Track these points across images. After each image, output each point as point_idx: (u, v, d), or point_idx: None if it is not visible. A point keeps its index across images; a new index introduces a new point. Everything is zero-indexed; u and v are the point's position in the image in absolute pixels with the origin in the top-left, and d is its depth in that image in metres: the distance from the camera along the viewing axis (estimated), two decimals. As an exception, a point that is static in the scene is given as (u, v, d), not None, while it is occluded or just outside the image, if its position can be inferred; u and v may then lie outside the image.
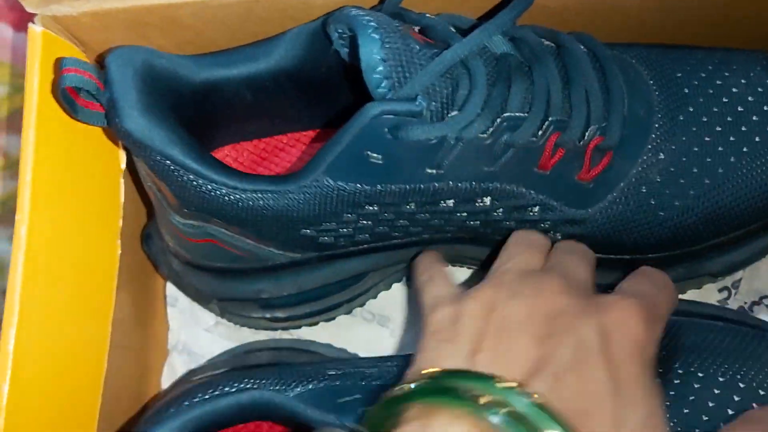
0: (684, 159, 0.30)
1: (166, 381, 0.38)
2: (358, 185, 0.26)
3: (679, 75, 0.31)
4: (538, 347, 0.24)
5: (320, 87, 0.31)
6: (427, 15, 0.29)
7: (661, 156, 0.30)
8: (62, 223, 0.29)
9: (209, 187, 0.26)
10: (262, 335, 0.37)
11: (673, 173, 0.30)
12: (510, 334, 0.24)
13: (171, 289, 0.39)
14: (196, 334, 0.38)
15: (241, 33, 0.31)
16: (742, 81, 0.31)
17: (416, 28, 0.27)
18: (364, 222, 0.28)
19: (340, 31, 0.27)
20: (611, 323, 0.25)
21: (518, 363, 0.23)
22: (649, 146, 0.29)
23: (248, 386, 0.29)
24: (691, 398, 0.29)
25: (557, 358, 0.23)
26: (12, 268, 0.27)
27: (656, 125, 0.30)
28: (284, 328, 0.37)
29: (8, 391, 0.26)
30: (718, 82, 0.31)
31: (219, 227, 0.29)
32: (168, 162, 0.26)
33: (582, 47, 0.29)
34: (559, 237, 0.30)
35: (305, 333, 0.37)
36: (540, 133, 0.27)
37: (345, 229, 0.28)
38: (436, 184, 0.27)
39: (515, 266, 0.28)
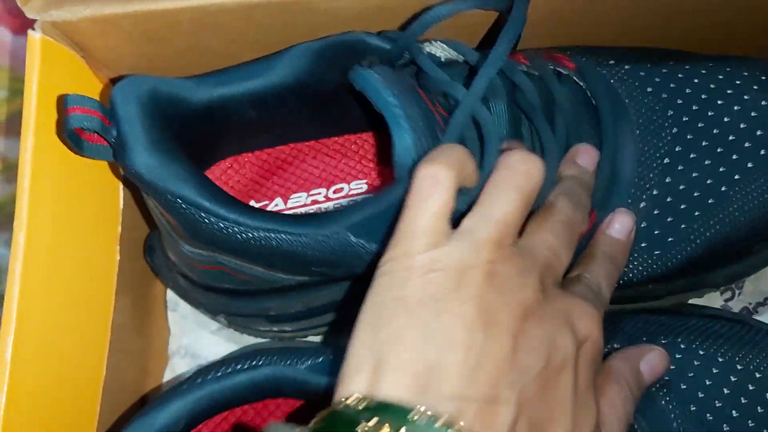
0: (669, 200, 0.31)
1: (167, 385, 0.38)
2: (380, 246, 0.27)
3: (671, 113, 0.31)
4: (510, 357, 0.22)
5: (324, 101, 0.31)
6: (433, 56, 0.29)
7: (643, 204, 0.31)
8: (60, 230, 0.30)
9: (221, 225, 0.27)
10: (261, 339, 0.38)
11: (657, 215, 0.31)
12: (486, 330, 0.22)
13: (171, 294, 0.39)
14: (200, 338, 0.38)
15: (241, 39, 0.31)
16: (736, 108, 0.31)
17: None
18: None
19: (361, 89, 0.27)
20: (579, 332, 0.24)
21: (486, 371, 0.22)
22: (629, 200, 0.30)
23: (261, 363, 0.28)
24: (690, 374, 0.31)
25: (529, 366, 0.22)
26: (10, 274, 0.27)
27: (636, 178, 0.31)
28: (291, 338, 0.37)
29: (6, 399, 0.26)
30: (711, 114, 0.31)
31: (229, 257, 0.29)
32: (179, 200, 0.26)
33: (581, 88, 0.30)
34: None
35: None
36: None
37: (357, 273, 0.28)
38: None
39: (488, 237, 0.24)
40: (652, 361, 0.29)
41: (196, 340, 0.38)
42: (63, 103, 0.27)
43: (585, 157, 0.30)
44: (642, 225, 0.31)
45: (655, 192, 0.31)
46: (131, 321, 0.35)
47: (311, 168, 0.35)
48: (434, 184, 0.24)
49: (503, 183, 0.25)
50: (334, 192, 0.35)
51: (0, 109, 0.43)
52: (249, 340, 0.38)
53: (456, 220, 0.24)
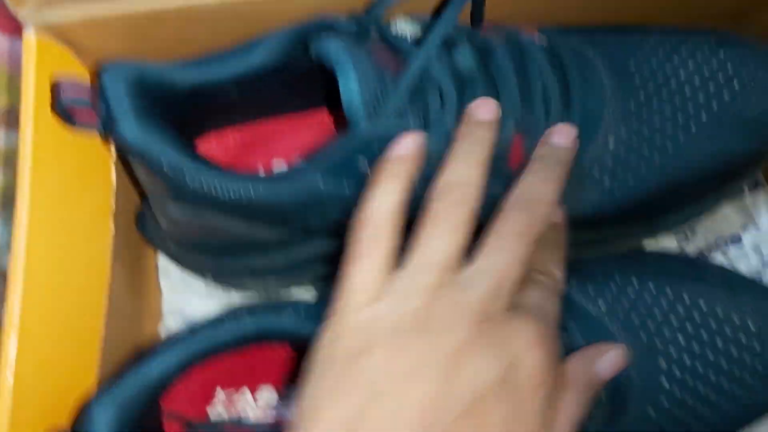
0: (633, 142, 0.32)
1: None
2: (347, 190, 0.29)
3: (632, 65, 0.33)
4: (435, 403, 0.22)
5: (299, 79, 0.33)
6: (391, 24, 0.31)
7: (611, 143, 0.32)
8: (60, 207, 0.32)
9: (204, 185, 0.29)
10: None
11: (623, 156, 0.32)
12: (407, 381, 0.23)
13: (163, 261, 0.41)
14: (189, 300, 0.40)
15: (226, 32, 0.33)
16: (691, 64, 0.33)
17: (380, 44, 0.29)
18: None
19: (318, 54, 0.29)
20: (522, 359, 0.24)
21: (408, 420, 0.22)
22: (599, 136, 0.32)
23: (247, 316, 0.30)
24: (641, 308, 0.33)
25: (453, 409, 0.22)
26: (14, 247, 0.29)
27: (606, 116, 0.32)
28: (276, 291, 0.40)
29: (17, 355, 0.28)
30: (668, 67, 0.33)
31: (212, 215, 0.31)
32: (163, 165, 0.28)
33: (543, 47, 0.31)
34: None
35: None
36: (506, 139, 0.29)
37: (332, 223, 0.31)
38: (417, 190, 0.29)
39: (425, 284, 0.24)
40: (610, 360, 0.29)
41: (187, 302, 0.40)
42: (56, 87, 0.29)
43: (559, 135, 0.30)
44: (609, 164, 0.32)
45: (623, 133, 0.32)
46: (125, 286, 0.37)
47: (289, 138, 0.37)
48: (373, 238, 0.25)
49: (441, 218, 0.25)
50: None
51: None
52: (237, 302, 0.40)
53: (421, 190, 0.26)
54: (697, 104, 0.33)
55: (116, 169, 0.36)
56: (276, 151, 0.37)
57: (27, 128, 0.29)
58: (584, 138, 0.32)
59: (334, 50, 0.28)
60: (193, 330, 0.30)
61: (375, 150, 0.28)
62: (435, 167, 0.28)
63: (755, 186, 0.42)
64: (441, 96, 0.29)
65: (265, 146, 0.37)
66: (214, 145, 0.36)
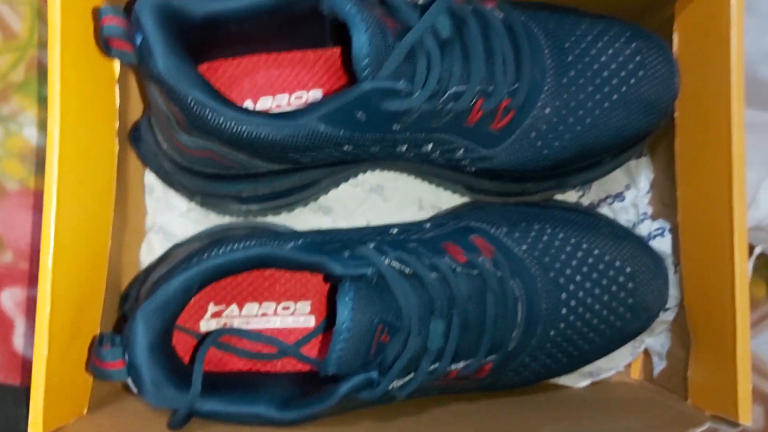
0: (563, 112, 0.39)
1: (144, 256, 0.45)
2: (342, 131, 0.35)
3: (567, 45, 0.40)
4: None
5: (295, 20, 0.37)
6: None
7: (547, 110, 0.39)
8: (80, 126, 0.36)
9: (221, 119, 0.33)
10: (227, 220, 0.45)
11: (555, 123, 0.39)
12: None
13: (148, 179, 0.45)
14: (171, 219, 0.45)
15: None
16: (610, 51, 0.40)
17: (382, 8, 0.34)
18: (338, 154, 0.36)
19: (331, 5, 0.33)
20: None
21: None
22: (539, 103, 0.39)
23: (254, 244, 0.35)
24: (552, 251, 0.41)
25: None
26: (48, 162, 0.34)
27: (546, 87, 0.39)
28: (254, 216, 0.45)
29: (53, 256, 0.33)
30: (593, 52, 0.40)
31: (219, 146, 0.36)
32: (190, 99, 0.33)
33: (501, 20, 0.37)
34: (474, 170, 0.40)
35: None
36: (472, 101, 0.36)
37: (322, 156, 0.36)
38: (398, 136, 0.35)
39: None
40: None
41: (169, 220, 0.44)
42: (97, 14, 0.32)
43: None
44: (543, 128, 0.39)
45: (556, 103, 0.39)
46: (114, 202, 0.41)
47: (275, 76, 0.41)
48: None
49: None
50: (296, 98, 0.42)
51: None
52: (213, 221, 0.45)
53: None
54: (611, 85, 0.40)
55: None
56: (263, 86, 0.41)
57: (55, 52, 0.33)
58: (528, 104, 0.38)
59: (348, 3, 0.32)
60: (208, 255, 0.35)
61: (371, 103, 0.33)
62: (416, 122, 0.33)
63: (639, 155, 0.50)
64: (428, 59, 0.34)
65: (252, 80, 0.41)
66: (206, 75, 0.40)
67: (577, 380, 0.49)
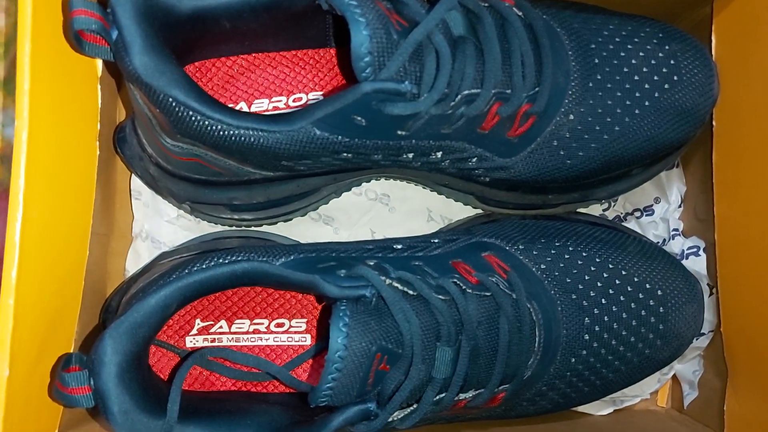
0: (589, 119, 0.36)
1: (130, 264, 0.42)
2: (340, 137, 0.31)
3: (593, 46, 0.36)
4: None
5: (292, 18, 0.34)
6: None
7: (571, 117, 0.36)
8: (53, 127, 0.33)
9: (206, 122, 0.30)
10: (219, 228, 0.42)
11: (579, 130, 0.36)
12: None
13: (135, 183, 0.42)
14: (159, 225, 0.42)
15: None
16: (641, 54, 0.37)
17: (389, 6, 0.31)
18: (336, 162, 0.33)
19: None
20: None
21: None
22: (563, 109, 0.35)
23: (240, 258, 0.32)
24: (574, 271, 0.38)
25: None
26: (14, 165, 0.30)
27: (570, 92, 0.35)
28: (247, 227, 0.42)
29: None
30: (623, 54, 0.37)
31: (206, 151, 0.33)
32: (170, 99, 0.30)
33: (520, 18, 0.34)
34: (488, 180, 0.36)
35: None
36: (487, 105, 0.32)
37: (319, 164, 0.33)
38: (402, 143, 0.32)
39: None
40: None
41: (156, 227, 0.42)
42: (68, 6, 0.29)
43: None
44: (567, 136, 0.36)
45: (581, 109, 0.36)
46: (98, 206, 0.39)
47: (272, 77, 0.38)
48: None
49: None
50: (294, 101, 0.39)
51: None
52: (204, 229, 0.42)
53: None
54: (642, 90, 0.37)
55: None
56: (257, 87, 0.38)
57: (24, 47, 0.30)
58: (550, 110, 0.35)
59: (345, 1, 0.29)
60: (190, 270, 0.32)
61: (372, 107, 0.30)
62: (424, 127, 0.30)
63: (671, 166, 0.47)
64: (438, 59, 0.31)
65: (246, 81, 0.38)
66: (197, 75, 0.38)
67: (599, 408, 0.46)
